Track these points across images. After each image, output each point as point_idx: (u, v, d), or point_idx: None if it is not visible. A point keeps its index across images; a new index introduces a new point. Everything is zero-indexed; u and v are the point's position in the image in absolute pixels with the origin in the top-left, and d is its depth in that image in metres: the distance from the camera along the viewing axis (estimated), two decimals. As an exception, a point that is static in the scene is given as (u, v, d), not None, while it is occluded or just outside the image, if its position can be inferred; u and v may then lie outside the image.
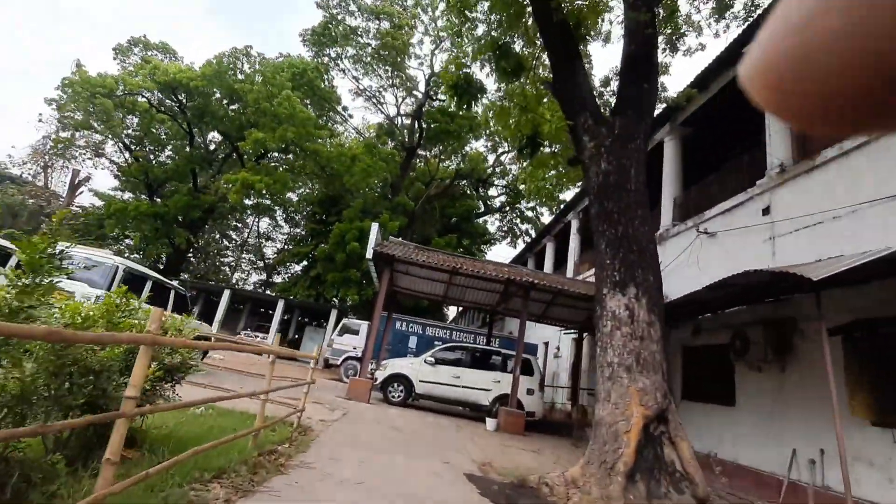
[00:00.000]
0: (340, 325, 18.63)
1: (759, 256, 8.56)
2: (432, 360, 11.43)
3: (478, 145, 28.61)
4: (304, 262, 31.86)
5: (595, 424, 4.83)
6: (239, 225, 47.72)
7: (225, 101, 27.71)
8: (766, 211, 8.92)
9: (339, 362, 17.37)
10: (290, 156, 24.06)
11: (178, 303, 9.84)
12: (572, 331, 16.32)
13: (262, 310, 30.02)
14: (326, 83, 26.00)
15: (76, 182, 33.99)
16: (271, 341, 23.28)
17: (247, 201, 44.18)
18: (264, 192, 23.00)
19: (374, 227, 11.20)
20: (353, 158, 21.91)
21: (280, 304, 23.79)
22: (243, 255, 50.02)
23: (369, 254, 10.94)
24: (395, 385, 11.30)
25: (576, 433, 12.25)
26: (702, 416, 9.62)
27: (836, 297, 6.71)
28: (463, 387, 11.26)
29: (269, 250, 47.87)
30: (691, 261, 10.56)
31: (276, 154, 28.36)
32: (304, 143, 20.05)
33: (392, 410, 9.97)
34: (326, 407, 8.60)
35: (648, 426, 4.47)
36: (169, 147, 32.19)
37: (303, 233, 31.06)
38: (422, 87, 23.24)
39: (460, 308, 38.41)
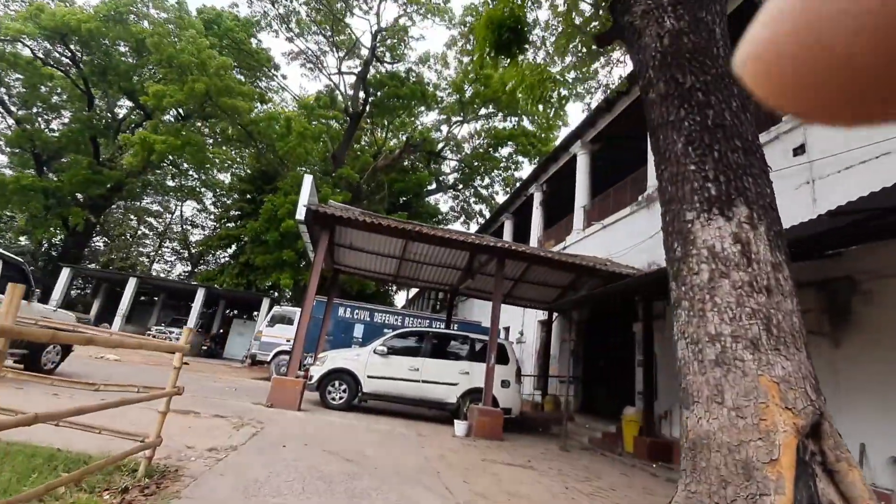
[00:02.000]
0: (271, 313, 15.65)
1: (794, 204, 6.89)
2: (384, 349, 9.02)
3: (428, 120, 26.20)
4: (233, 248, 28.07)
5: (690, 446, 2.70)
6: (160, 210, 42.31)
7: (131, 56, 23.35)
8: (799, 150, 7.29)
9: (269, 358, 14.47)
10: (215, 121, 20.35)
11: (7, 275, 6.71)
12: (542, 312, 14.48)
13: (181, 302, 26.00)
14: (255, 43, 22.48)
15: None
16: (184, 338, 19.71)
17: (170, 182, 39.28)
18: (171, 157, 19.34)
19: (307, 180, 8.56)
20: (288, 122, 18.76)
21: (200, 294, 20.25)
22: (165, 244, 44.58)
23: (300, 213, 8.30)
24: (336, 384, 8.78)
25: (559, 432, 10.33)
26: None
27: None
28: (423, 381, 8.95)
29: (197, 238, 42.82)
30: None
31: (199, 123, 24.39)
32: (220, 99, 16.67)
33: (331, 419, 7.46)
34: (231, 422, 5.97)
35: (799, 446, 2.41)
36: (67, 111, 26.98)
37: (234, 213, 27.24)
38: (367, 41, 20.40)
39: (410, 295, 35.96)
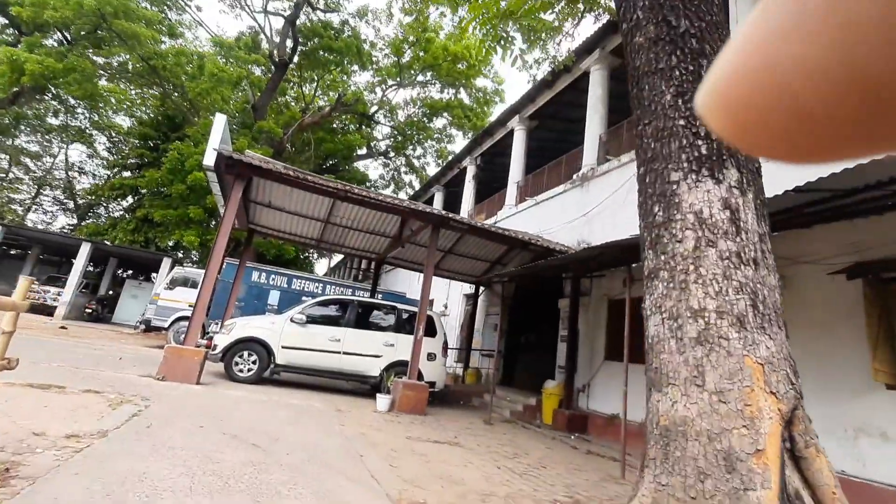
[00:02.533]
0: (171, 274, 13.92)
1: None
2: (302, 317, 8.22)
3: (362, 80, 24.55)
4: (130, 200, 24.77)
5: (661, 433, 2.41)
6: (40, 151, 36.14)
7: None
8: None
9: (166, 325, 12.90)
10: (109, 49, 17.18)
11: None
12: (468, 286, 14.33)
13: (63, 258, 22.58)
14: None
15: None
16: (68, 299, 17.13)
17: (52, 121, 33.47)
18: (53, 89, 16.18)
19: (220, 119, 7.34)
20: (201, 60, 16.41)
21: (84, 250, 17.53)
22: (45, 192, 38.40)
23: (209, 157, 7.12)
24: (245, 355, 7.87)
25: (480, 405, 10.28)
26: (620, 376, 8.28)
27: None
28: (345, 353, 8.32)
29: (86, 187, 37.26)
30: (629, 200, 9.01)
31: (90, 51, 20.61)
32: (115, 21, 14.03)
33: (236, 394, 6.62)
34: (107, 399, 4.97)
35: (782, 434, 2.20)
36: None
37: (132, 161, 23.87)
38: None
39: (332, 263, 34.50)
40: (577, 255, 8.04)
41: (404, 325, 8.94)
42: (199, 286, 8.81)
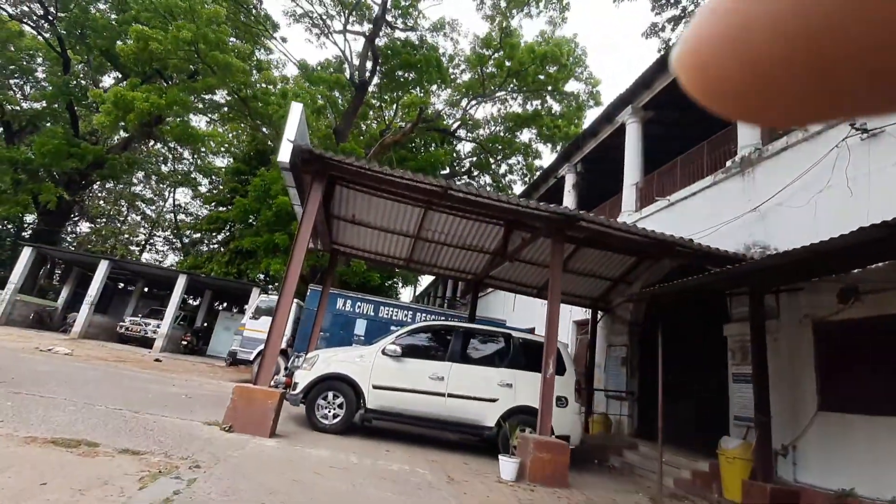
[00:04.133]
0: (255, 302, 13.17)
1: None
2: (396, 349, 6.51)
3: (442, 100, 23.70)
4: (224, 234, 25.60)
5: None
6: (154, 197, 39.91)
7: (112, 12, 20.93)
8: None
9: (251, 357, 11.99)
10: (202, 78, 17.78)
11: None
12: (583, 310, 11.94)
13: (164, 291, 23.56)
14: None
15: None
16: (165, 331, 17.23)
17: (164, 168, 36.81)
18: (165, 141, 16.82)
19: (296, 107, 6.09)
20: (286, 85, 16.36)
21: (180, 282, 17.74)
22: (158, 234, 42.11)
23: (283, 152, 5.83)
24: (330, 396, 6.28)
25: (621, 465, 7.81)
26: (859, 434, 5.48)
27: None
28: (450, 395, 6.44)
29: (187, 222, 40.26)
30: (833, 182, 6.40)
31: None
32: (211, 53, 14.21)
33: (318, 454, 4.96)
34: (148, 462, 3.50)
35: None
36: (42, 75, 24.45)
37: (226, 194, 24.79)
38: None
39: (417, 291, 33.38)
40: (770, 262, 5.54)
41: (522, 358, 6.90)
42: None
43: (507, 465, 5.34)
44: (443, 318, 12.77)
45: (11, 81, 23.10)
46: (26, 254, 17.40)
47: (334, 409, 6.25)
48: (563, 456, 5.43)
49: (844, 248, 4.55)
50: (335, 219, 9.50)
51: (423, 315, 12.88)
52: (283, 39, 20.83)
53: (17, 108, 23.60)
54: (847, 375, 5.82)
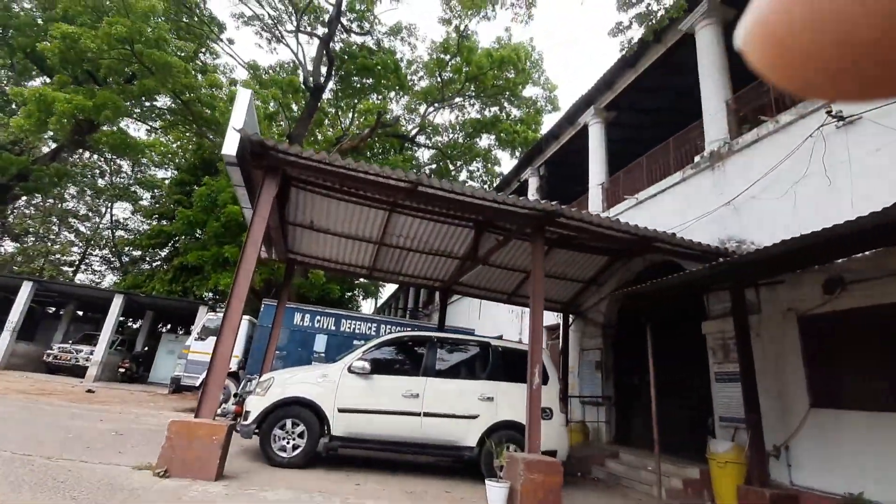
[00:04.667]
0: (202, 322, 11.97)
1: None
2: (364, 364, 5.77)
3: (401, 106, 23.16)
4: (167, 249, 23.73)
5: None
6: (89, 213, 36.80)
7: (38, 11, 19.07)
8: None
9: (198, 383, 10.80)
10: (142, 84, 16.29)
11: None
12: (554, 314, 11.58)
13: (100, 314, 21.46)
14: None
15: None
16: (100, 358, 15.49)
17: (100, 181, 34.01)
18: (100, 152, 15.26)
19: (244, 94, 5.33)
20: (233, 88, 15.28)
21: (117, 302, 16.05)
22: (94, 252, 38.82)
23: (228, 144, 5.06)
24: (288, 425, 5.46)
25: (605, 476, 7.36)
26: (848, 431, 5.31)
27: None
28: (426, 414, 5.77)
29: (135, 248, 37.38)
30: (811, 171, 6.30)
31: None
32: (148, 52, 12.97)
33: (275, 498, 4.17)
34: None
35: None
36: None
37: (170, 206, 23.06)
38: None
39: (378, 304, 32.29)
40: (757, 256, 5.28)
41: (503, 369, 6.35)
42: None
43: (496, 491, 4.74)
44: (409, 329, 12.05)
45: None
46: (-70, 277, 15.23)
47: (294, 439, 5.44)
48: (557, 476, 4.89)
49: (842, 237, 4.31)
50: (291, 225, 8.70)
51: (389, 327, 12.12)
52: (231, 41, 19.70)
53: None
54: (839, 370, 5.64)
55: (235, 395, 7.84)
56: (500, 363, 6.36)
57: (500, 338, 13.64)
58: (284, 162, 5.54)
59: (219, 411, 6.05)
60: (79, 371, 16.09)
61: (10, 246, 34.64)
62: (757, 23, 0.23)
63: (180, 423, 4.30)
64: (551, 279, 10.26)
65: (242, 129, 4.96)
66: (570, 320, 11.23)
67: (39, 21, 19.13)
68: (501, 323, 15.46)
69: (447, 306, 11.50)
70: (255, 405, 5.46)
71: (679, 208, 8.69)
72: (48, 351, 16.72)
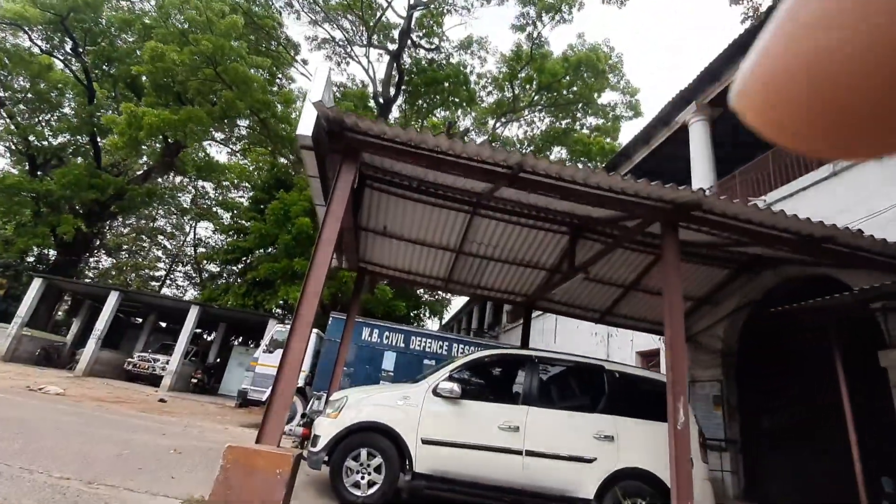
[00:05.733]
0: (270, 334, 11.59)
1: None
2: (453, 387, 4.74)
3: (469, 121, 22.63)
4: (242, 264, 24.44)
5: None
6: (175, 231, 39.58)
7: (137, 46, 20.74)
8: None
9: (264, 398, 10.29)
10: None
11: None
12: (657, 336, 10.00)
13: (176, 325, 22.31)
14: (276, 26, 19.61)
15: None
16: (174, 368, 15.73)
17: (185, 201, 36.55)
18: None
19: (322, 69, 4.69)
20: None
21: (192, 314, 16.39)
22: (178, 269, 41.56)
23: (305, 123, 4.37)
24: (363, 455, 4.53)
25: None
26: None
27: None
28: (528, 453, 4.61)
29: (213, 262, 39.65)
30: None
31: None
32: (230, 65, 13.34)
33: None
34: None
35: None
36: (70, 111, 24.35)
37: (245, 223, 23.85)
38: (402, 9, 17.17)
39: (444, 320, 31.31)
40: None
41: (624, 400, 5.05)
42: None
43: (639, 570, 3.45)
44: (485, 349, 10.92)
45: (40, 116, 22.95)
46: (35, 285, 16.36)
47: (369, 473, 4.48)
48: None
49: None
50: (363, 231, 8.01)
51: (462, 346, 11.08)
52: (305, 62, 20.22)
53: (45, 142, 23.40)
54: None
55: (303, 416, 7.09)
56: (619, 393, 5.07)
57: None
58: (365, 144, 4.78)
59: (284, 431, 5.29)
60: (156, 380, 16.46)
61: (106, 261, 37.94)
62: (749, 81, 0.22)
63: (238, 449, 3.47)
64: (653, 296, 8.84)
65: (319, 103, 4.26)
66: (675, 345, 9.57)
67: (138, 52, 20.89)
68: (582, 347, 13.90)
69: (510, 329, 10.31)
70: (326, 429, 4.59)
71: (832, 209, 7.01)
72: (129, 359, 17.33)
